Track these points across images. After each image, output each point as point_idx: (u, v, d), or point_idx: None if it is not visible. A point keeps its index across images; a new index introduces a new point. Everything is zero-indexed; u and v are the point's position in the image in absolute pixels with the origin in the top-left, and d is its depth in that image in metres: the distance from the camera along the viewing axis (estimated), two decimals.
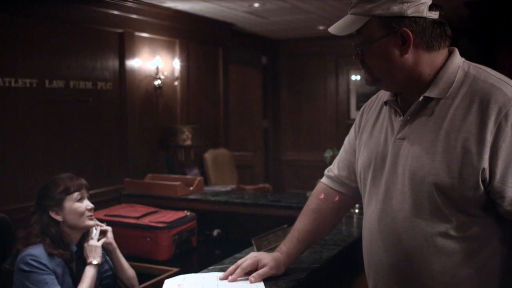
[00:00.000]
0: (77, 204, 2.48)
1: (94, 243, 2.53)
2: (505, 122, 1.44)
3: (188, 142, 6.42)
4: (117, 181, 5.47)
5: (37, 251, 2.36)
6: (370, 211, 1.70)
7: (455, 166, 1.48)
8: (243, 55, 8.69)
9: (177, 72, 6.74)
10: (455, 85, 1.55)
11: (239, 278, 1.84)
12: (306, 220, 1.96)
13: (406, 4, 1.51)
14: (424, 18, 1.53)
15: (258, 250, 2.25)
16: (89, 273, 2.45)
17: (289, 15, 6.92)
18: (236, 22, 7.46)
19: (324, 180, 2.01)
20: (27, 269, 2.32)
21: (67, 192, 2.47)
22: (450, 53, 1.61)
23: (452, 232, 1.51)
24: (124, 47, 5.91)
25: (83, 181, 2.56)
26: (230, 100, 8.15)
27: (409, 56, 1.55)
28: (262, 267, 1.84)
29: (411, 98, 1.61)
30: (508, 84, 1.52)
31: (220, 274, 1.93)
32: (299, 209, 3.40)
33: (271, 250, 2.29)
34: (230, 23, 7.45)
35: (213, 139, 7.49)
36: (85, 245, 2.53)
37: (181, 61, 6.79)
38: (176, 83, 6.73)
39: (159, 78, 6.39)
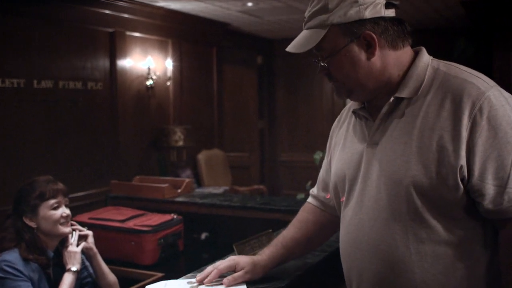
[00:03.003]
0: (52, 212, 2.40)
1: (73, 249, 2.45)
2: (479, 116, 1.38)
3: (181, 143, 6.35)
4: (108, 183, 5.38)
5: (12, 257, 2.29)
6: (347, 222, 1.63)
7: (432, 165, 1.41)
8: (238, 55, 8.61)
9: (169, 72, 6.67)
10: (425, 83, 1.49)
11: (215, 280, 1.78)
12: (293, 229, 1.91)
13: (362, 6, 1.46)
14: (383, 17, 1.48)
15: None
16: (67, 280, 2.38)
17: (284, 15, 6.84)
18: (230, 22, 7.38)
19: (309, 199, 1.98)
20: (1, 275, 2.25)
21: (43, 198, 2.39)
22: (417, 53, 1.56)
23: (434, 237, 1.44)
24: (115, 47, 5.83)
25: (61, 186, 2.47)
26: (225, 100, 8.07)
27: (376, 59, 1.50)
28: (240, 270, 1.78)
29: (382, 102, 1.54)
30: (480, 78, 1.46)
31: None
32: (288, 212, 3.36)
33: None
34: (224, 22, 7.37)
35: (207, 140, 7.42)
36: (64, 251, 2.45)
37: (174, 61, 6.72)
38: (168, 83, 6.66)
39: (151, 78, 6.31)
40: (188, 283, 1.86)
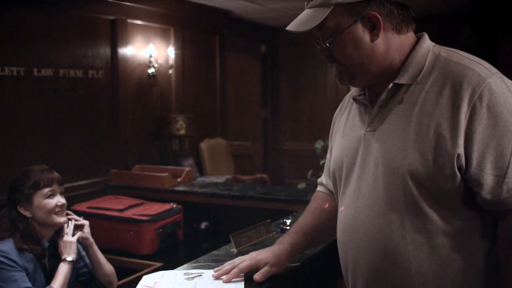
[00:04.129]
0: (47, 201, 2.36)
1: (69, 238, 2.42)
2: (479, 104, 1.34)
3: (182, 132, 6.30)
4: (109, 172, 5.34)
5: (6, 247, 2.26)
6: (344, 210, 1.60)
7: (429, 153, 1.37)
8: (241, 43, 8.54)
9: (171, 60, 6.61)
10: (425, 69, 1.45)
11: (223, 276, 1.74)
12: (310, 215, 1.87)
13: None
14: (389, 0, 1.44)
15: (237, 247, 2.14)
16: (63, 270, 2.35)
17: (287, 2, 6.76)
18: (232, 9, 7.30)
19: (319, 188, 1.95)
20: None
21: (37, 187, 2.35)
22: (419, 38, 1.51)
23: (431, 228, 1.40)
24: (116, 35, 5.77)
25: (56, 174, 2.44)
26: (228, 89, 8.02)
27: (379, 42, 1.45)
28: (263, 266, 1.73)
29: (381, 88, 1.50)
30: (481, 65, 1.41)
31: (198, 271, 1.84)
32: (289, 202, 3.31)
33: (251, 247, 2.17)
34: (226, 10, 7.30)
35: (209, 129, 7.37)
36: (59, 241, 2.42)
37: (176, 49, 6.66)
38: (170, 71, 6.60)
39: (153, 67, 6.26)
40: (184, 274, 1.83)
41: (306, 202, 3.09)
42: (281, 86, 9.31)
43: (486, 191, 1.35)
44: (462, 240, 1.41)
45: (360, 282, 1.55)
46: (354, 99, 1.61)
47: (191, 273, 1.81)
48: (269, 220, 2.39)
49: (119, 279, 2.78)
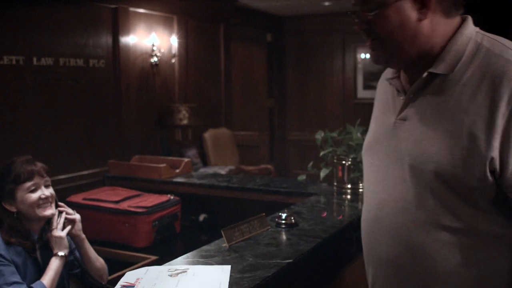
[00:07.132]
0: (29, 195, 2.26)
1: (58, 233, 2.33)
2: None
3: (185, 122, 6.23)
4: None
5: None
6: (369, 200, 1.53)
7: (459, 153, 1.28)
8: (246, 32, 8.45)
9: (174, 50, 6.53)
10: (464, 59, 1.34)
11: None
12: None
13: None
14: None
15: (228, 242, 2.07)
16: (54, 265, 2.27)
17: None
18: None
19: None
20: None
21: (18, 181, 2.26)
22: (463, 22, 1.39)
23: (458, 226, 1.32)
24: (118, 23, 5.69)
25: (38, 166, 2.32)
26: (234, 78, 7.93)
27: (426, 23, 1.35)
28: None
29: (417, 75, 1.40)
30: None
31: (184, 266, 1.80)
32: (288, 194, 3.23)
33: (244, 242, 2.10)
34: None
35: (213, 119, 7.29)
36: (49, 235, 2.34)
37: (179, 38, 6.57)
38: (173, 60, 6.52)
39: (156, 56, 6.18)
40: (169, 270, 1.77)
41: (306, 195, 3.04)
42: (287, 76, 9.22)
43: None
44: (489, 243, 1.33)
45: (381, 275, 1.49)
46: (388, 80, 1.52)
47: (176, 269, 1.75)
48: (263, 214, 2.32)
49: (113, 272, 2.71)
